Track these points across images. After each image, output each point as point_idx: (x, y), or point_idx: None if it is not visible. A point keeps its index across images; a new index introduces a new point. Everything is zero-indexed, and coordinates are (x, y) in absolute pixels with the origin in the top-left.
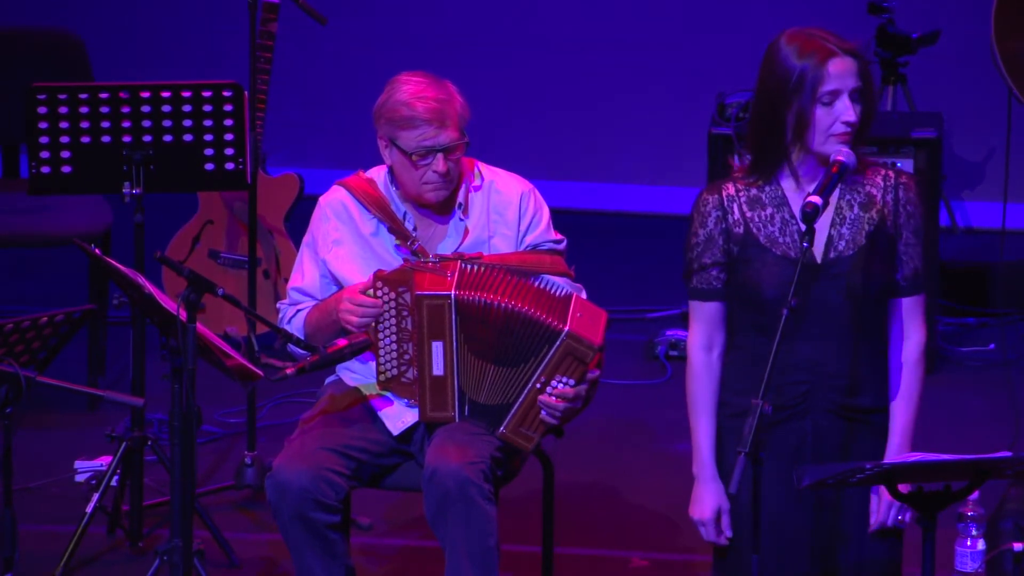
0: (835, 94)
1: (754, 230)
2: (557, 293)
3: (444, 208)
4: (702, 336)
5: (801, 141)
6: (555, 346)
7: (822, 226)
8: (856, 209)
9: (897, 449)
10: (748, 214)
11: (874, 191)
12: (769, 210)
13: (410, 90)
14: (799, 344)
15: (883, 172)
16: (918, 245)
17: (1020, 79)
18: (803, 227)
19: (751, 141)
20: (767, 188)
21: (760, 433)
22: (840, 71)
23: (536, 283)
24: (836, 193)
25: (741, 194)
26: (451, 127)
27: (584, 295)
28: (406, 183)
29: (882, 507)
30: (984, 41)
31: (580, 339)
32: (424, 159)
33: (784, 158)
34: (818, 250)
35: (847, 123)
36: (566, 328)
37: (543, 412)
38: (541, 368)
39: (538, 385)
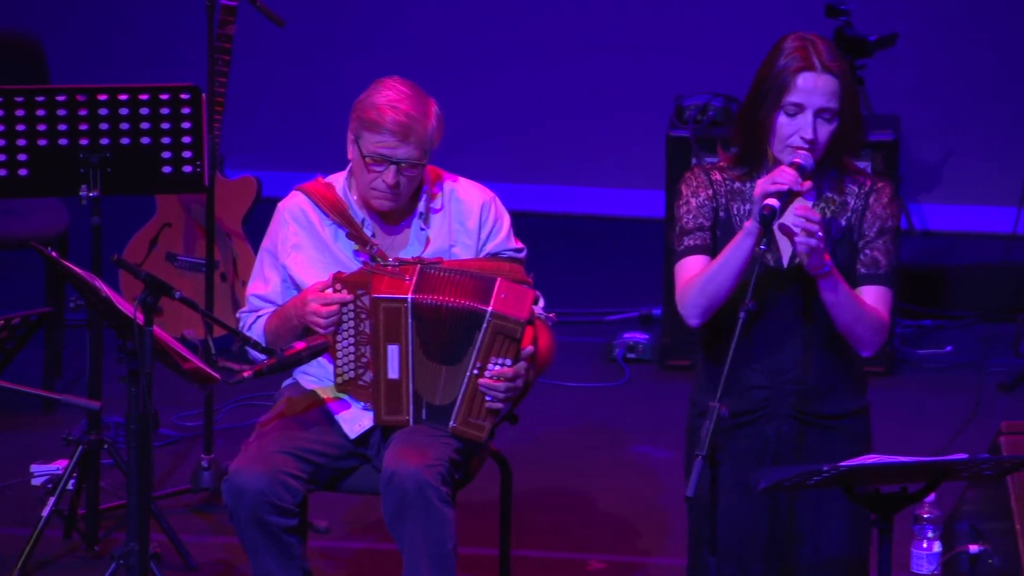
0: (799, 107)
1: (735, 222)
2: (481, 279)
3: (397, 217)
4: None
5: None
6: (483, 328)
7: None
8: (828, 217)
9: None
10: (731, 204)
11: (848, 199)
12: (748, 206)
13: (388, 96)
14: (762, 349)
15: (860, 180)
16: (881, 241)
17: None
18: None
19: (735, 134)
20: (748, 184)
21: (717, 436)
22: (809, 87)
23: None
24: (810, 200)
25: (726, 183)
26: (413, 145)
27: (542, 303)
28: (358, 182)
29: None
30: (941, 43)
31: (506, 317)
32: (377, 165)
33: (764, 156)
34: (785, 256)
35: (804, 139)
36: (489, 308)
37: (487, 397)
38: (475, 353)
39: (475, 371)
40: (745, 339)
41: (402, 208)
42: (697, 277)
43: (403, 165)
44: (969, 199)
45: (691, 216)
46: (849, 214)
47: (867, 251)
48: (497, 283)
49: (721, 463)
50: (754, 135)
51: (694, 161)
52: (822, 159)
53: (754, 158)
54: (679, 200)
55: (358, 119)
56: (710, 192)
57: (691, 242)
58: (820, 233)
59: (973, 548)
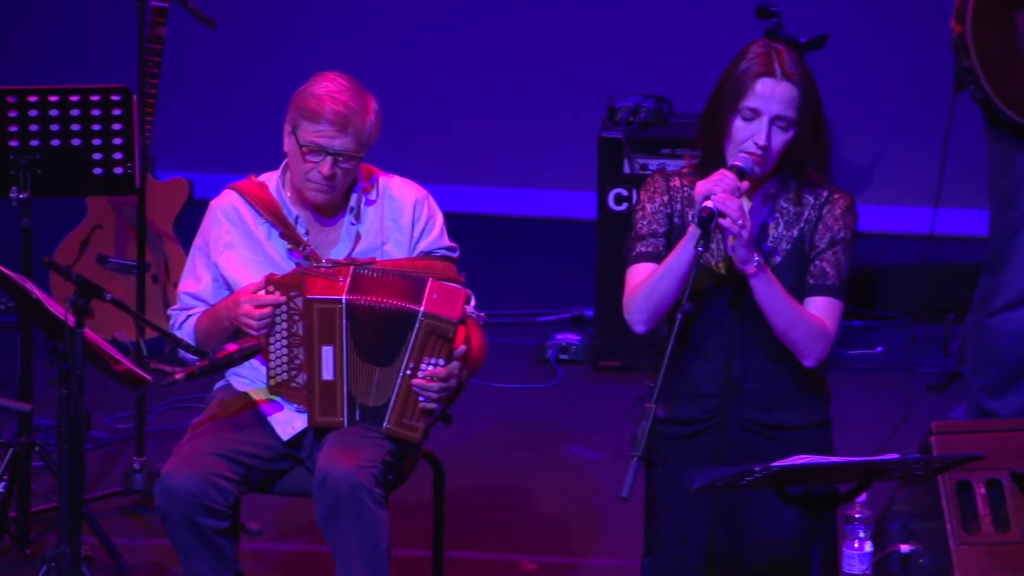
0: (756, 112)
1: (688, 228)
2: (413, 279)
3: (333, 212)
4: None
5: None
6: (415, 328)
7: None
8: (780, 228)
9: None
10: (686, 210)
11: (804, 210)
12: None
13: (328, 87)
14: (713, 358)
15: (818, 191)
16: (831, 253)
17: (989, 67)
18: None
19: (698, 136)
20: None
21: (653, 437)
22: (767, 93)
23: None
24: (765, 211)
25: (684, 190)
26: (351, 137)
27: (474, 303)
28: (294, 174)
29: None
30: (872, 44)
31: (438, 316)
32: (314, 156)
33: (721, 160)
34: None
35: (757, 145)
36: (421, 308)
37: (421, 398)
38: (408, 353)
39: (408, 371)
40: (696, 345)
41: (336, 202)
42: (643, 283)
43: (340, 157)
44: (898, 200)
45: (645, 222)
46: (802, 224)
47: (817, 262)
48: (429, 283)
49: (664, 468)
50: (713, 138)
51: (626, 162)
52: (780, 168)
53: (713, 164)
54: (636, 205)
55: (297, 109)
56: (666, 198)
57: (643, 248)
58: (741, 221)
59: (904, 548)
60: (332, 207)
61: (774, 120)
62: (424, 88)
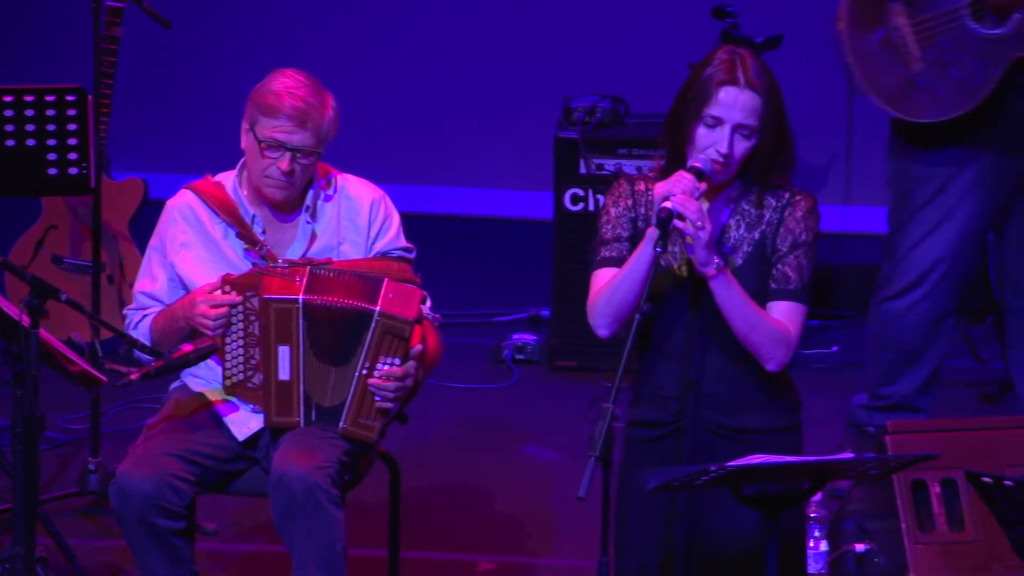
0: (718, 120)
1: None
2: (369, 279)
3: (291, 209)
4: None
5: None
6: (371, 328)
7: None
8: (742, 230)
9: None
10: (649, 214)
11: (765, 212)
12: None
13: (286, 83)
14: (676, 361)
15: (780, 193)
16: (792, 256)
17: (866, 71)
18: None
19: (662, 139)
20: None
21: (610, 437)
22: (730, 101)
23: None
24: (726, 213)
25: (649, 194)
26: (309, 132)
27: (430, 303)
28: (252, 171)
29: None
30: (828, 44)
31: (394, 316)
32: (272, 151)
33: (684, 164)
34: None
35: (720, 153)
36: (377, 308)
37: (377, 397)
38: (364, 353)
39: (364, 371)
40: (659, 347)
41: (294, 200)
42: (605, 287)
43: (298, 153)
44: (853, 199)
45: (610, 227)
46: (764, 227)
47: (779, 266)
48: (385, 283)
49: (630, 470)
50: (676, 142)
51: (582, 163)
52: (743, 172)
53: (676, 166)
54: (601, 210)
55: (255, 106)
56: (630, 202)
57: (606, 253)
58: (700, 222)
59: (859, 547)
60: (290, 204)
61: (737, 128)
62: (380, 89)
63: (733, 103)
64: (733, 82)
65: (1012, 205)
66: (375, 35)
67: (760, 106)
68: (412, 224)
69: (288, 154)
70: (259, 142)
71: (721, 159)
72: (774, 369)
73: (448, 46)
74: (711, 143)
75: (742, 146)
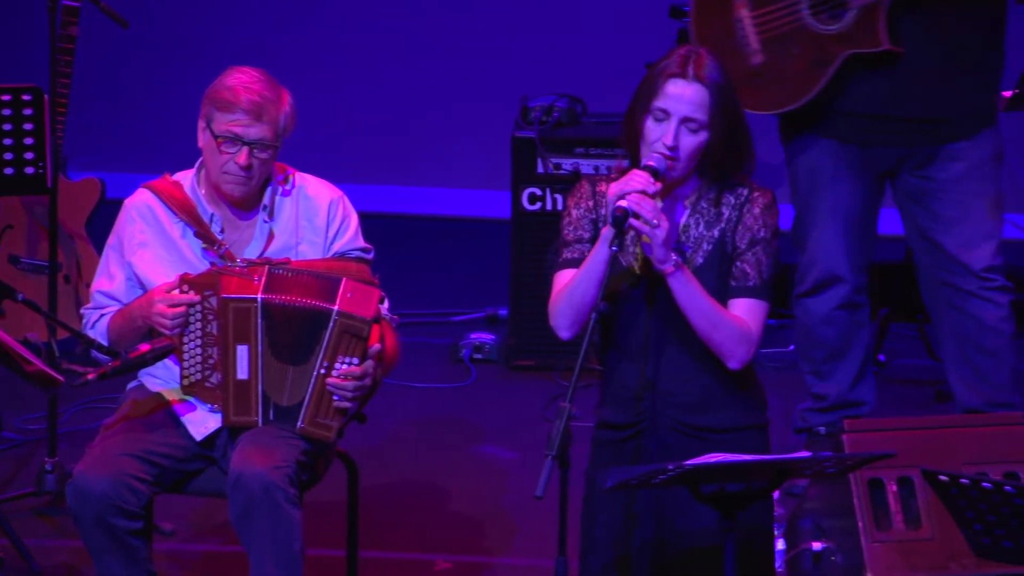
0: (666, 113)
1: None
2: (327, 279)
3: (249, 207)
4: None
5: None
6: (329, 327)
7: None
8: (701, 228)
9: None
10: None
11: (724, 210)
12: None
13: (241, 78)
14: (641, 360)
15: (739, 191)
16: (751, 253)
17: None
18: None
19: (621, 139)
20: None
21: (567, 437)
22: (677, 94)
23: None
24: (685, 213)
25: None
26: (266, 125)
27: (387, 304)
28: (210, 169)
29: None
30: None
31: (352, 315)
32: (229, 146)
33: (639, 162)
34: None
35: (665, 145)
36: (335, 307)
37: (335, 397)
38: (323, 352)
39: (323, 370)
40: (621, 347)
41: (252, 196)
42: (564, 289)
43: (256, 146)
44: None
45: (571, 228)
46: (723, 225)
47: (738, 263)
48: (343, 283)
49: (599, 471)
50: (631, 139)
51: (539, 162)
52: (698, 171)
53: (634, 164)
54: (563, 210)
55: (210, 102)
56: (591, 204)
57: (568, 255)
58: (655, 220)
59: (816, 546)
60: (248, 202)
61: (684, 121)
62: (337, 90)
63: (680, 96)
64: (681, 75)
65: (908, 202)
66: (332, 36)
67: (707, 100)
68: (370, 224)
69: (245, 148)
70: (216, 137)
71: (667, 152)
72: (736, 367)
73: (404, 46)
74: (658, 136)
75: (689, 140)
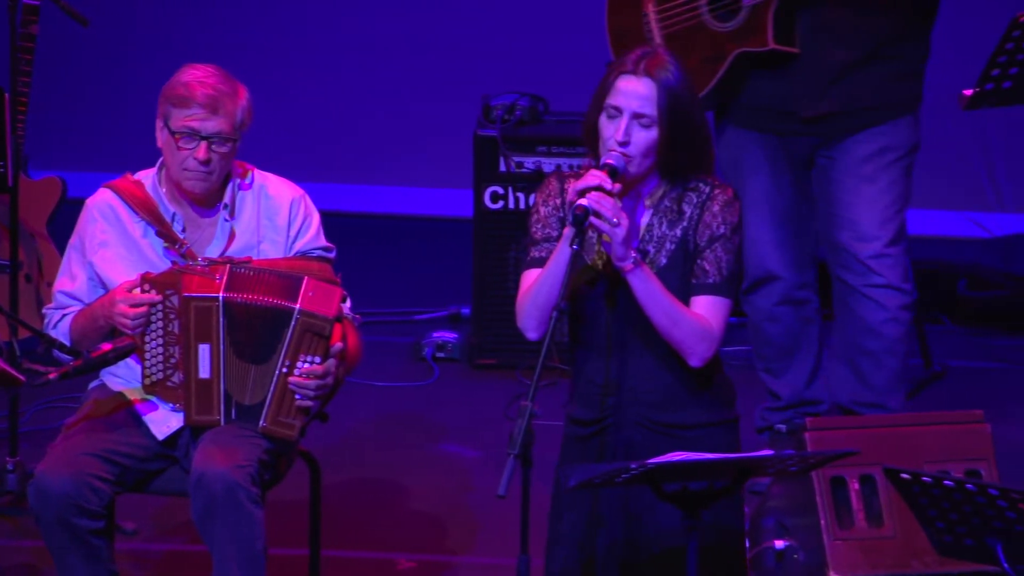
0: (618, 110)
1: None
2: (289, 278)
3: (211, 204)
4: None
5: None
6: (291, 326)
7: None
8: (664, 227)
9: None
10: None
11: (686, 209)
12: None
13: (196, 74)
14: (608, 358)
15: (700, 189)
16: (709, 251)
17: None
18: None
19: (584, 139)
20: None
21: (530, 435)
22: (627, 89)
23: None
24: (649, 212)
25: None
26: (223, 119)
27: (350, 303)
28: (170, 167)
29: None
30: None
31: (313, 314)
32: (187, 142)
33: (597, 160)
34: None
35: (617, 140)
36: (297, 306)
37: (297, 396)
38: (284, 351)
39: (284, 369)
40: (586, 344)
41: (213, 193)
42: (530, 289)
43: (213, 140)
44: None
45: (540, 226)
46: (685, 223)
47: (698, 261)
48: (305, 281)
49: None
50: (590, 138)
51: (502, 160)
52: (656, 169)
53: (596, 164)
54: (532, 208)
55: (166, 99)
56: (559, 201)
57: (536, 253)
58: (615, 219)
59: (779, 544)
60: (209, 199)
61: (635, 117)
62: (299, 88)
63: (630, 91)
64: (632, 72)
65: (819, 192)
66: (293, 34)
67: (656, 94)
68: (332, 223)
69: (204, 142)
70: (173, 134)
71: (619, 148)
72: (697, 364)
73: (366, 44)
74: (611, 133)
75: (642, 136)
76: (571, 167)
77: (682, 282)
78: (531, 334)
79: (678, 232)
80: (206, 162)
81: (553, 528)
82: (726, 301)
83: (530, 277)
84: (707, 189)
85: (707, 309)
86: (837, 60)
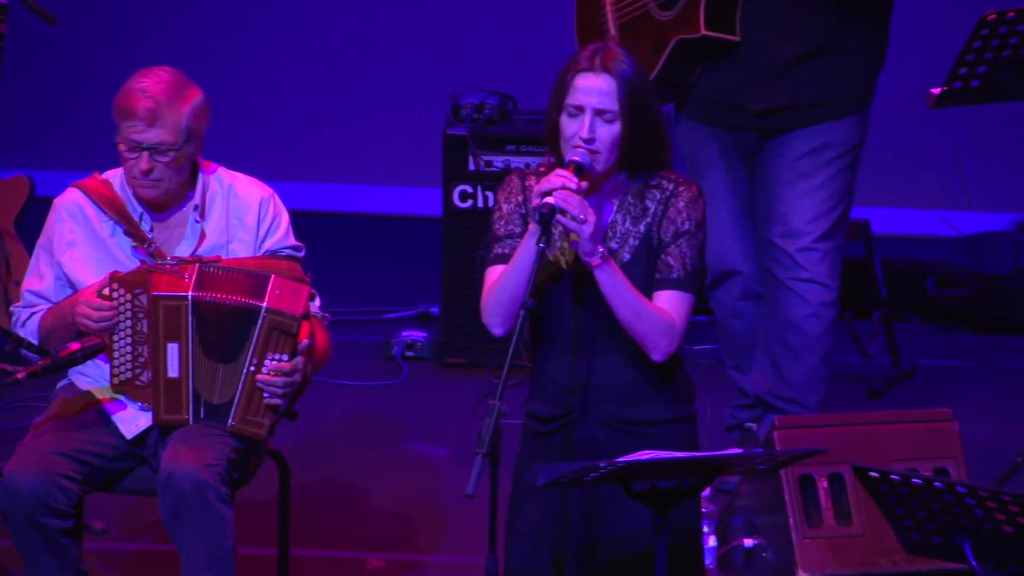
0: (579, 108)
1: None
2: (256, 276)
3: (169, 206)
4: None
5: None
6: (258, 324)
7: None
8: (628, 223)
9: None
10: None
11: (650, 205)
12: None
13: (142, 83)
14: (570, 355)
15: (664, 185)
16: (674, 246)
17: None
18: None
19: (546, 138)
20: None
21: (498, 434)
22: (587, 87)
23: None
24: (613, 209)
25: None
26: (164, 129)
27: (319, 302)
28: (125, 174)
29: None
30: None
31: (280, 312)
32: (131, 152)
33: (560, 159)
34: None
35: (581, 138)
36: (264, 304)
37: (266, 394)
38: (252, 349)
39: (252, 367)
40: (549, 341)
41: (172, 197)
42: (494, 285)
43: (155, 151)
44: None
45: (502, 223)
46: (649, 219)
47: (662, 256)
48: (272, 279)
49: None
50: (553, 138)
51: (471, 159)
52: (619, 165)
53: (559, 162)
54: (494, 205)
55: (115, 109)
56: (521, 198)
57: (499, 250)
58: (581, 216)
59: (748, 542)
60: (167, 202)
61: (598, 113)
62: (268, 87)
63: (590, 88)
64: (589, 69)
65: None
66: (262, 33)
67: (616, 89)
68: (302, 222)
69: (145, 153)
70: (118, 144)
71: (584, 145)
72: (659, 359)
73: (336, 43)
74: (575, 131)
75: (607, 131)
76: (538, 165)
77: (646, 278)
78: (496, 330)
79: (641, 228)
80: (148, 172)
81: (511, 523)
82: (689, 296)
83: (494, 273)
84: (671, 186)
85: (670, 304)
86: (786, 54)
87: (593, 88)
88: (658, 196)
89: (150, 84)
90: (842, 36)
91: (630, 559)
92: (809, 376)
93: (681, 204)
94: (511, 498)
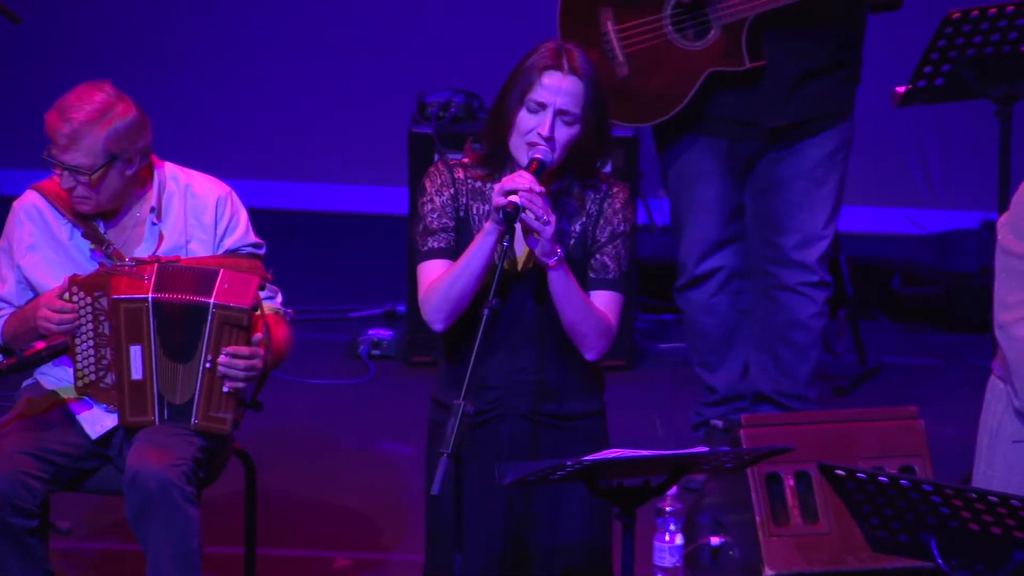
0: (542, 105)
1: (472, 222)
2: (205, 272)
3: (114, 213)
4: None
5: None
6: (208, 320)
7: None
8: (564, 222)
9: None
10: (471, 204)
11: (586, 205)
12: (488, 207)
13: (69, 101)
14: (496, 349)
15: (599, 185)
16: (611, 247)
17: None
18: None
19: (485, 130)
20: (489, 185)
21: (463, 433)
22: (554, 86)
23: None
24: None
25: (468, 182)
26: (80, 151)
27: (280, 298)
28: None
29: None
30: None
31: (228, 306)
32: (56, 170)
33: (506, 155)
34: (520, 253)
35: (540, 135)
36: (212, 300)
37: (226, 381)
38: (205, 346)
39: (208, 364)
40: (484, 338)
41: (117, 206)
42: (439, 281)
43: (74, 171)
44: None
45: (435, 215)
46: (585, 219)
47: (598, 256)
48: (220, 274)
49: (466, 460)
50: (499, 131)
51: (436, 157)
52: (566, 167)
53: (497, 158)
54: (423, 197)
55: (45, 123)
56: (452, 191)
57: (435, 244)
58: (545, 216)
59: (714, 540)
60: (110, 211)
61: (559, 114)
62: (232, 85)
63: (557, 88)
64: (557, 68)
65: (759, 193)
66: (227, 31)
67: (582, 93)
68: (266, 220)
69: (66, 172)
70: (45, 160)
71: (542, 142)
72: (594, 358)
73: (300, 41)
74: (533, 127)
75: (565, 132)
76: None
77: (579, 277)
78: (438, 326)
79: (577, 227)
80: (71, 190)
81: (431, 521)
82: (622, 297)
83: (432, 268)
84: (605, 187)
85: (606, 304)
86: (796, 71)
87: (560, 88)
88: (593, 196)
89: (75, 103)
90: (842, 48)
91: (563, 555)
92: (813, 372)
93: (618, 205)
94: (427, 497)
